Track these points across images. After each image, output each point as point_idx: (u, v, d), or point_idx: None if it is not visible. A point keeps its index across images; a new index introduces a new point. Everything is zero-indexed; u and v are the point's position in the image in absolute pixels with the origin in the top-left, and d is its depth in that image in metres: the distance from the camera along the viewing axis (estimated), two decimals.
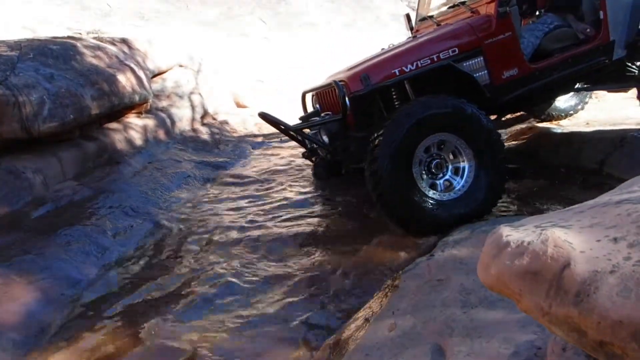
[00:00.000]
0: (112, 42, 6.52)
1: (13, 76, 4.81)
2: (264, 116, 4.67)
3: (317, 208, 5.29)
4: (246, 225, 4.94)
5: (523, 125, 6.90)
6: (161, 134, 6.83)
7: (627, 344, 1.16)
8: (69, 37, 6.14)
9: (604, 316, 1.18)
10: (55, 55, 5.41)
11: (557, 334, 1.37)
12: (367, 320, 3.09)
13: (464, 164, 4.24)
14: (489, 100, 4.54)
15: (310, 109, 5.50)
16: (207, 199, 5.79)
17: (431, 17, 5.45)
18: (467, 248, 3.52)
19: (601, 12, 4.82)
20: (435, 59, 4.42)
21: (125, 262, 4.20)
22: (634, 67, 5.17)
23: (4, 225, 4.29)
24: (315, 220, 4.97)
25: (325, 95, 4.95)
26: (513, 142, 6.41)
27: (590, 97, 7.16)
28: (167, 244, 4.52)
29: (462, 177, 4.26)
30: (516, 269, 1.34)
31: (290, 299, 3.59)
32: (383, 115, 4.49)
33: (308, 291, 3.71)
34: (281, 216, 5.15)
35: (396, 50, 4.71)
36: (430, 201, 4.08)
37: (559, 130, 6.28)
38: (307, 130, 4.96)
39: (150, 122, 6.58)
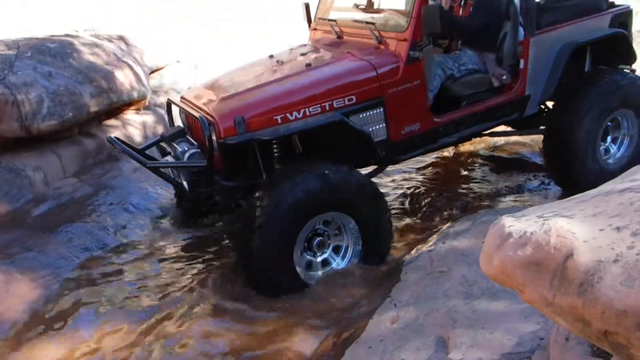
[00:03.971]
0: (110, 39, 6.48)
1: (11, 75, 4.80)
2: (113, 142, 3.97)
3: None
4: None
5: None
6: (160, 130, 6.81)
7: (632, 333, 1.16)
8: (66, 35, 6.10)
9: (608, 306, 1.18)
10: (53, 53, 5.39)
11: (561, 325, 1.37)
12: (369, 312, 3.09)
13: (346, 244, 3.73)
14: (381, 159, 4.03)
15: (177, 121, 4.56)
16: None
17: (334, 21, 4.56)
18: (468, 239, 3.53)
19: (522, 61, 4.29)
20: (328, 108, 3.66)
21: (128, 257, 4.19)
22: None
23: (6, 223, 4.29)
24: None
25: (193, 121, 3.94)
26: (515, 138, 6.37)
27: None
28: (169, 239, 4.51)
29: (342, 258, 3.73)
30: (519, 259, 1.34)
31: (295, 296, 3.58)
32: (258, 164, 3.73)
33: (311, 285, 3.72)
34: None
35: (281, 84, 3.82)
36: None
37: None
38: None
39: (149, 118, 6.55)
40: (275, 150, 3.78)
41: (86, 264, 3.99)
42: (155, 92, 6.68)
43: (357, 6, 4.61)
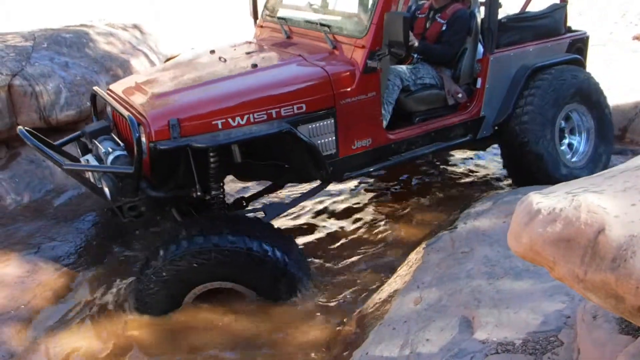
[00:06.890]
0: (124, 27, 6.51)
1: (29, 66, 4.83)
2: (23, 135, 3.42)
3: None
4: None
5: None
6: None
7: None
8: (81, 25, 6.14)
9: None
10: (68, 43, 5.43)
11: (593, 301, 1.35)
12: (392, 294, 3.09)
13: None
14: (328, 176, 3.63)
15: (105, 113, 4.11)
16: None
17: (284, 20, 4.23)
18: (489, 219, 3.50)
19: (479, 80, 4.11)
20: (275, 115, 3.32)
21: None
22: None
23: (29, 214, 4.36)
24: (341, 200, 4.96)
25: (120, 119, 3.54)
26: None
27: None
28: None
29: None
30: (549, 236, 1.33)
31: (317, 278, 3.60)
32: (192, 173, 3.36)
33: (332, 269, 3.74)
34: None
35: (224, 85, 3.46)
36: None
37: None
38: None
39: None
40: (212, 159, 3.30)
41: (110, 251, 4.02)
42: None
43: (310, 5, 4.20)
